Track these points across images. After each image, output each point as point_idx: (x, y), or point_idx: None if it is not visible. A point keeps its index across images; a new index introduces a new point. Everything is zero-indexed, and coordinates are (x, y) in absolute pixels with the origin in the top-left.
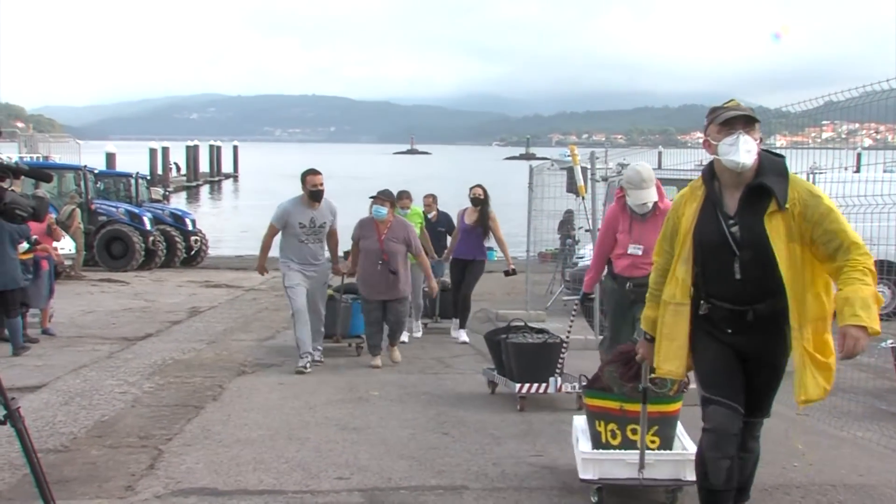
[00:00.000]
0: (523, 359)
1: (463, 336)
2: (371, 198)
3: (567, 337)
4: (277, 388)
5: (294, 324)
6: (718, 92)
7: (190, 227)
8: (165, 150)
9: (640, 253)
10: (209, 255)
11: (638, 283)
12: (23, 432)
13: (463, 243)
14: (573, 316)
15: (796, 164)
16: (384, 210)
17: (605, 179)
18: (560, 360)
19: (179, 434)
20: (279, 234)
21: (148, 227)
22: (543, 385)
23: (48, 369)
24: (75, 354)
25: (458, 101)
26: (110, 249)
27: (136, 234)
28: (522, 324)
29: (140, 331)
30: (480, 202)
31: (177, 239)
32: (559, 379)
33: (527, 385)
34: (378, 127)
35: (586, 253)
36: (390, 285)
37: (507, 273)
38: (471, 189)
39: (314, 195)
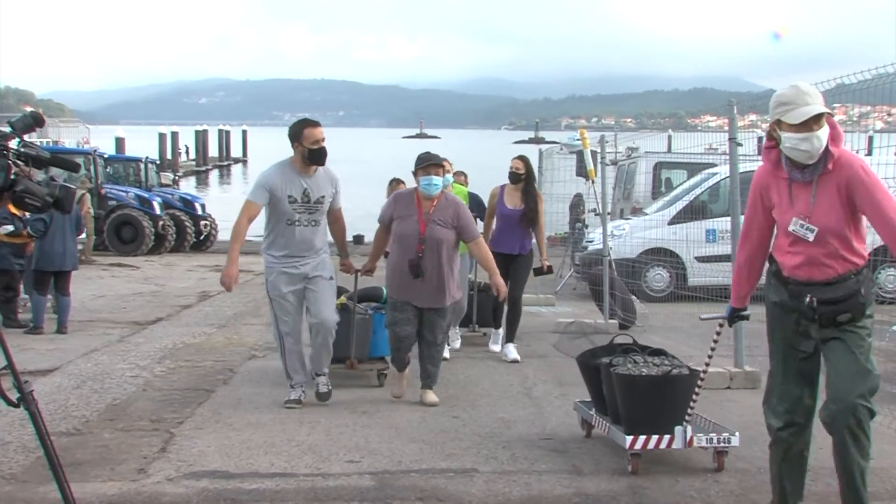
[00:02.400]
0: (636, 398)
1: (512, 352)
2: (414, 169)
3: (705, 369)
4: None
5: (279, 350)
6: (729, 75)
7: (199, 212)
8: (175, 135)
9: (810, 237)
10: (219, 240)
11: (824, 296)
12: (36, 415)
13: (503, 233)
14: (715, 340)
15: None
16: (439, 181)
17: (614, 163)
18: (692, 402)
19: (191, 417)
20: (258, 216)
21: (158, 211)
22: (666, 437)
23: (60, 353)
24: (87, 338)
25: (468, 85)
26: (120, 234)
27: (145, 219)
28: (631, 341)
29: (150, 315)
30: (522, 179)
31: (186, 223)
32: (688, 427)
33: (642, 438)
34: (387, 111)
35: (595, 237)
36: (434, 287)
37: (538, 271)
38: (511, 162)
39: (315, 155)
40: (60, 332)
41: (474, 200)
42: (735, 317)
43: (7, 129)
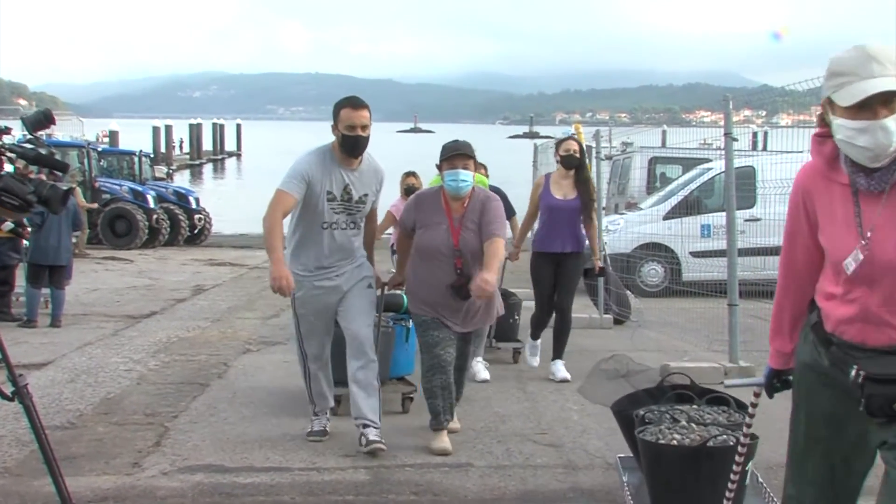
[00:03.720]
0: (662, 472)
1: (561, 370)
2: (439, 162)
3: (744, 441)
4: (283, 366)
5: (302, 371)
6: (724, 70)
7: (193, 206)
8: (169, 129)
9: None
10: (213, 234)
11: (880, 371)
12: (30, 409)
13: (551, 229)
14: (751, 414)
15: (801, 144)
16: (468, 176)
17: (609, 158)
18: (730, 482)
19: (185, 411)
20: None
21: (151, 205)
22: None
23: (54, 347)
24: (81, 332)
25: (462, 80)
26: (114, 227)
27: (139, 213)
28: (688, 382)
29: (144, 309)
30: (576, 163)
31: (180, 217)
32: None
33: None
34: (381, 105)
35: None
36: (478, 307)
37: (589, 272)
38: (559, 144)
39: (348, 144)
40: (54, 325)
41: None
42: (775, 383)
43: (3, 125)
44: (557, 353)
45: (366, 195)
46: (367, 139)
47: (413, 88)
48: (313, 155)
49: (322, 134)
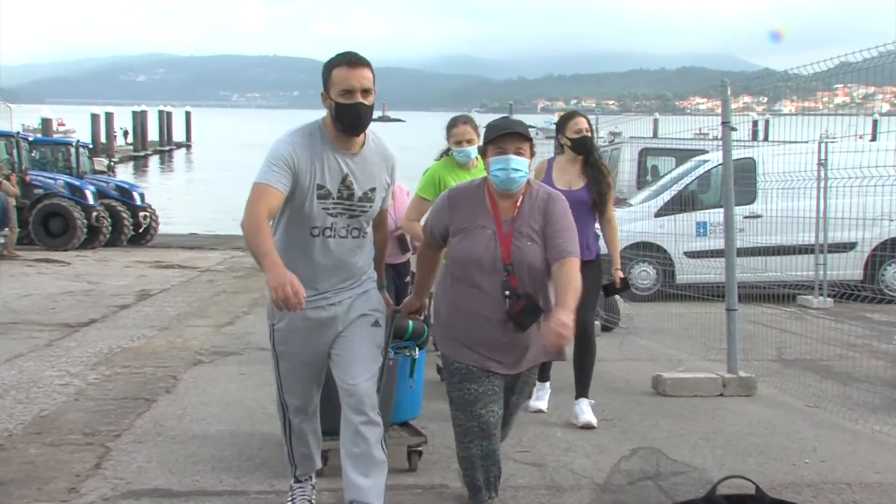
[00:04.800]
0: None
1: (586, 414)
2: (483, 145)
3: None
4: (237, 379)
5: (281, 426)
6: (720, 52)
7: (138, 202)
8: (109, 116)
9: None
10: (159, 233)
11: None
12: None
13: None
14: None
15: (806, 132)
16: (524, 165)
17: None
18: None
19: (129, 430)
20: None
21: (91, 201)
22: None
23: None
24: (9, 343)
25: (435, 64)
26: (48, 226)
27: (77, 210)
28: (753, 489)
29: (83, 316)
30: (587, 147)
31: (123, 214)
32: None
33: None
34: None
35: None
36: (535, 339)
37: (609, 289)
38: (565, 123)
39: (345, 115)
40: None
41: None
42: None
43: None
44: (581, 389)
45: (372, 189)
46: (370, 109)
47: (380, 73)
48: (296, 135)
49: (281, 122)
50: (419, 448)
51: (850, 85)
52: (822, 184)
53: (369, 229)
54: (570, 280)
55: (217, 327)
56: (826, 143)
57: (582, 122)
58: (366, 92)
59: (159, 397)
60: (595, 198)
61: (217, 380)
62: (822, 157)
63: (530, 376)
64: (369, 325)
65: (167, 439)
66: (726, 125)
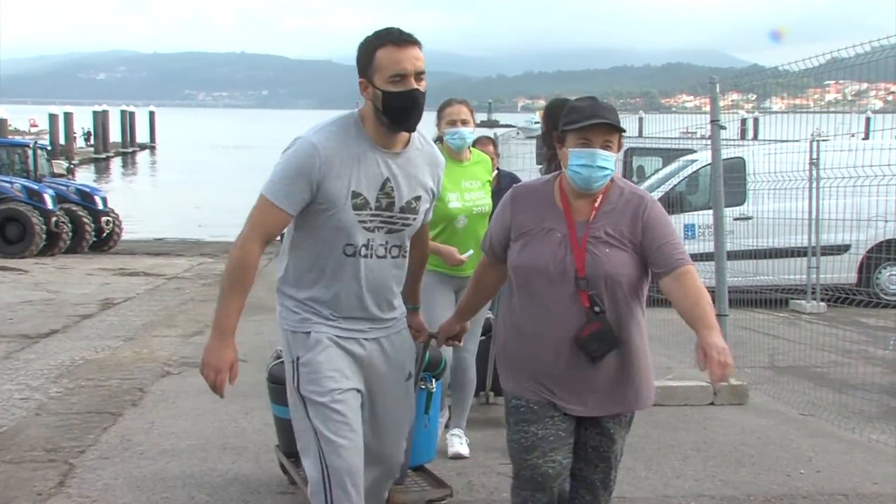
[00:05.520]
0: None
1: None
2: (561, 131)
3: None
4: (208, 391)
5: (322, 493)
6: (707, 48)
7: (100, 206)
8: (69, 116)
9: None
10: (123, 239)
11: None
12: None
13: None
14: None
15: (797, 131)
16: (610, 161)
17: None
18: None
19: (94, 446)
20: (282, 232)
21: (50, 205)
22: None
23: None
24: None
25: None
26: (4, 232)
27: (35, 215)
28: None
29: (43, 326)
30: None
31: (84, 220)
32: None
33: None
34: (318, 90)
35: None
36: (614, 374)
37: None
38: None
39: (405, 106)
40: None
41: (509, 183)
42: None
43: None
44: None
45: (417, 198)
46: (424, 97)
47: (354, 70)
48: (326, 132)
49: (250, 122)
50: (439, 501)
51: (841, 81)
52: (815, 184)
53: (408, 248)
54: (699, 294)
55: (185, 337)
56: (818, 141)
57: None
58: (420, 76)
59: (125, 411)
60: None
61: (186, 392)
62: (814, 156)
63: (618, 428)
64: (403, 379)
65: (135, 455)
66: (716, 124)
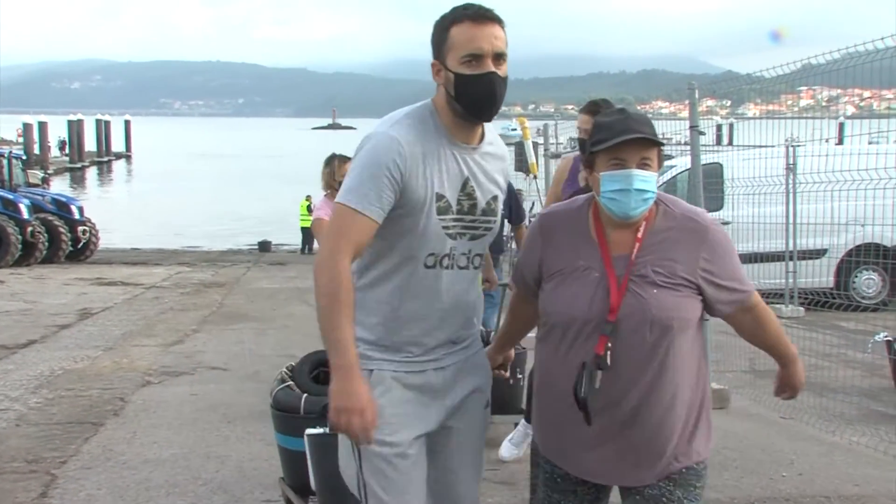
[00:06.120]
0: None
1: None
2: (589, 152)
3: None
4: (189, 400)
5: None
6: (682, 54)
7: (76, 216)
8: (43, 125)
9: None
10: (100, 248)
11: None
12: None
13: None
14: None
15: (771, 136)
16: (651, 182)
17: (557, 156)
18: None
19: (76, 456)
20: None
21: (25, 215)
22: None
23: None
24: None
25: (387, 68)
26: None
27: (10, 224)
28: None
29: (21, 337)
30: None
31: (61, 229)
32: None
33: None
34: (295, 98)
35: None
36: (644, 439)
37: None
38: (580, 117)
39: (484, 92)
40: None
41: (508, 192)
42: None
43: None
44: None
45: (494, 198)
46: (505, 83)
47: (330, 78)
48: (404, 124)
49: (226, 130)
50: None
51: (814, 87)
52: (791, 189)
53: (484, 254)
54: (775, 325)
55: (165, 346)
56: (794, 146)
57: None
58: (499, 58)
59: (107, 421)
60: None
61: (168, 401)
62: (791, 161)
63: (671, 489)
64: (482, 407)
65: (117, 465)
66: (694, 129)
